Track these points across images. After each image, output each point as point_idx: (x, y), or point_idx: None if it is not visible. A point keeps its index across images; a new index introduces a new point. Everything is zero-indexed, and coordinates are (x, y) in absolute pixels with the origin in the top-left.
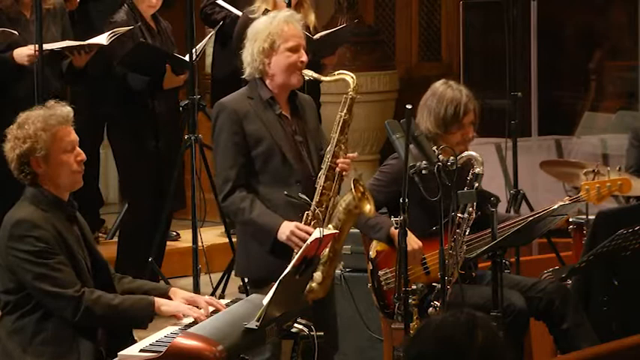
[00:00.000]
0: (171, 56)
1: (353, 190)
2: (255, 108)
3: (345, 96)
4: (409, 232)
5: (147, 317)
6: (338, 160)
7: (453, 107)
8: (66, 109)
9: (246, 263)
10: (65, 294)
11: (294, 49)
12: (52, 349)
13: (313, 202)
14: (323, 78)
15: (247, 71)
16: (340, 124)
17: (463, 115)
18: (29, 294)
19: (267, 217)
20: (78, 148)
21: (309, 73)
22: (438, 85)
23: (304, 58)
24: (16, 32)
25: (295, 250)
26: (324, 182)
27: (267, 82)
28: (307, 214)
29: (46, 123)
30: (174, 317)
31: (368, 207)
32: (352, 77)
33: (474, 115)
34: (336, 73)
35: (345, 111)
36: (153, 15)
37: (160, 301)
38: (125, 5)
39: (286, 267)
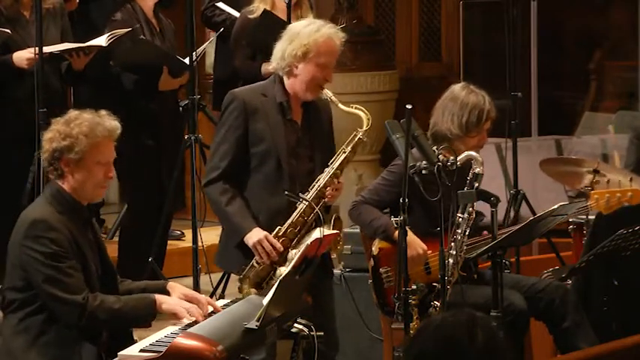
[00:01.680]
0: (169, 57)
1: (332, 227)
2: (265, 107)
3: (354, 133)
4: (414, 236)
5: (149, 316)
6: (328, 192)
7: (476, 113)
8: (114, 124)
9: (222, 255)
10: (72, 300)
11: (324, 66)
12: (55, 351)
13: (289, 221)
14: (340, 105)
15: (273, 65)
16: (341, 159)
17: (485, 122)
18: (36, 294)
19: (240, 217)
20: (112, 166)
21: (329, 94)
22: (460, 90)
23: (330, 77)
24: (8, 31)
25: (256, 257)
26: (307, 207)
27: (289, 81)
28: (279, 229)
29: (91, 130)
30: (174, 316)
31: (337, 247)
32: (368, 118)
33: (491, 123)
34: (354, 106)
35: (349, 148)
36: (156, 13)
37: (160, 299)
38: (128, 4)
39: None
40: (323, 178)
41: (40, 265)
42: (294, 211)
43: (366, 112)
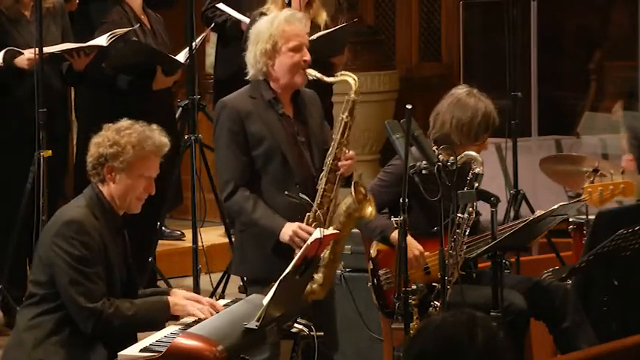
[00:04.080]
0: (162, 56)
1: (353, 193)
2: (257, 108)
3: (346, 98)
4: (411, 238)
5: (164, 320)
6: (340, 163)
7: (485, 121)
8: (164, 140)
9: (241, 263)
10: (91, 308)
11: (296, 49)
12: (64, 352)
13: (314, 204)
14: (325, 78)
15: (251, 73)
16: (342, 126)
17: (491, 129)
18: (57, 292)
19: (269, 218)
20: (153, 181)
21: (312, 73)
22: (466, 96)
23: (307, 57)
24: (21, 51)
25: (296, 251)
26: (325, 184)
27: (272, 83)
28: (308, 215)
29: (140, 142)
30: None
31: (369, 210)
32: (354, 79)
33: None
34: (339, 74)
35: (346, 113)
36: (144, 10)
37: (172, 301)
38: (117, 5)
39: (281, 269)
40: (331, 153)
41: (66, 266)
42: (314, 197)
43: (349, 74)
